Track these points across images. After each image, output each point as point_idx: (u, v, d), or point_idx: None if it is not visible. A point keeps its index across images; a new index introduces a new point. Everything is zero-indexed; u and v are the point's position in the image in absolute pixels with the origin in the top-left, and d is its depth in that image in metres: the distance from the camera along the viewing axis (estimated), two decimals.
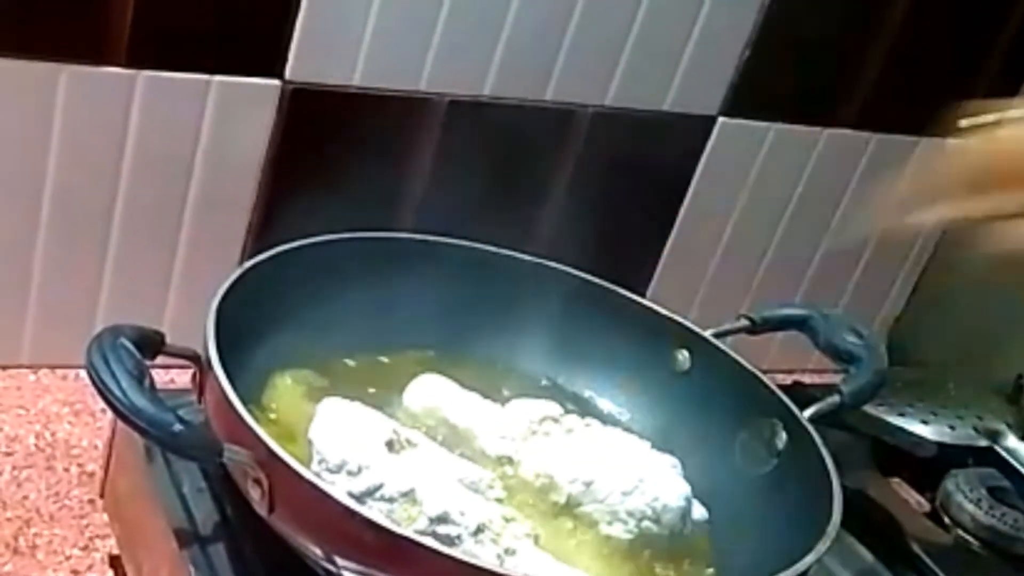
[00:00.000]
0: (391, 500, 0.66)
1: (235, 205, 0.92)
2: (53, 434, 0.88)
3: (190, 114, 0.88)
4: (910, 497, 0.97)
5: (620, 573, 0.70)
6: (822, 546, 0.66)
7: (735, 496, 0.77)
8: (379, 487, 0.67)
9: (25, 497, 0.82)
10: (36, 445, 0.87)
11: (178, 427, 0.62)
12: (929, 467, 0.97)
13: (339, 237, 0.80)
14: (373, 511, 0.64)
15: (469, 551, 0.65)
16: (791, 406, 0.77)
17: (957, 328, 1.15)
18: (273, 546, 0.67)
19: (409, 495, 0.66)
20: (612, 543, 0.71)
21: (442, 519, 0.66)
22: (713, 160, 1.06)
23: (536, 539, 0.69)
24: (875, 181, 1.13)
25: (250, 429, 0.64)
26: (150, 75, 0.85)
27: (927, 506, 0.96)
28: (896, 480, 0.97)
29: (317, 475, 0.66)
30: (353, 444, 0.68)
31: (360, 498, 0.66)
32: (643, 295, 0.92)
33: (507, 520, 0.68)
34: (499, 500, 0.71)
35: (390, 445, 0.69)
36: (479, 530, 0.66)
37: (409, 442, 0.70)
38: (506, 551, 0.66)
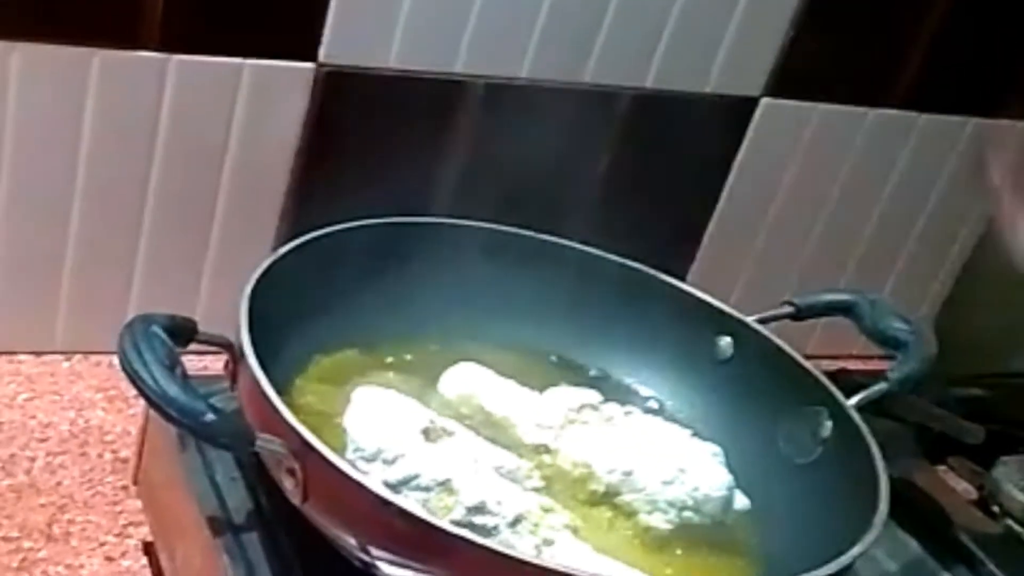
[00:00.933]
0: (427, 489, 0.66)
1: (268, 190, 0.92)
2: (87, 420, 0.88)
3: (223, 98, 0.87)
4: (958, 485, 0.95)
5: (660, 563, 0.69)
6: (869, 537, 0.65)
7: (779, 485, 0.76)
8: (415, 476, 0.66)
9: (59, 483, 0.82)
10: (70, 431, 0.87)
11: (210, 416, 0.62)
12: (978, 454, 0.95)
13: (372, 223, 0.79)
14: (408, 501, 0.63)
15: (506, 541, 0.64)
16: (836, 394, 0.76)
17: (1005, 312, 1.13)
18: (307, 535, 0.66)
19: (445, 484, 0.66)
20: (652, 533, 0.70)
21: (479, 509, 0.65)
22: (756, 142, 1.04)
23: (575, 530, 0.68)
24: (923, 162, 1.12)
25: (283, 418, 0.63)
26: (182, 59, 0.84)
27: (975, 494, 0.94)
28: (944, 468, 0.95)
29: (352, 463, 0.65)
30: (389, 432, 0.68)
31: (396, 487, 0.66)
32: (684, 279, 0.91)
33: (545, 510, 0.67)
34: (536, 490, 0.70)
35: (426, 434, 0.68)
36: (516, 520, 0.65)
37: (445, 431, 0.69)
38: (544, 541, 0.65)
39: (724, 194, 1.06)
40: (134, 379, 0.62)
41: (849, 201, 1.11)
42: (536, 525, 0.66)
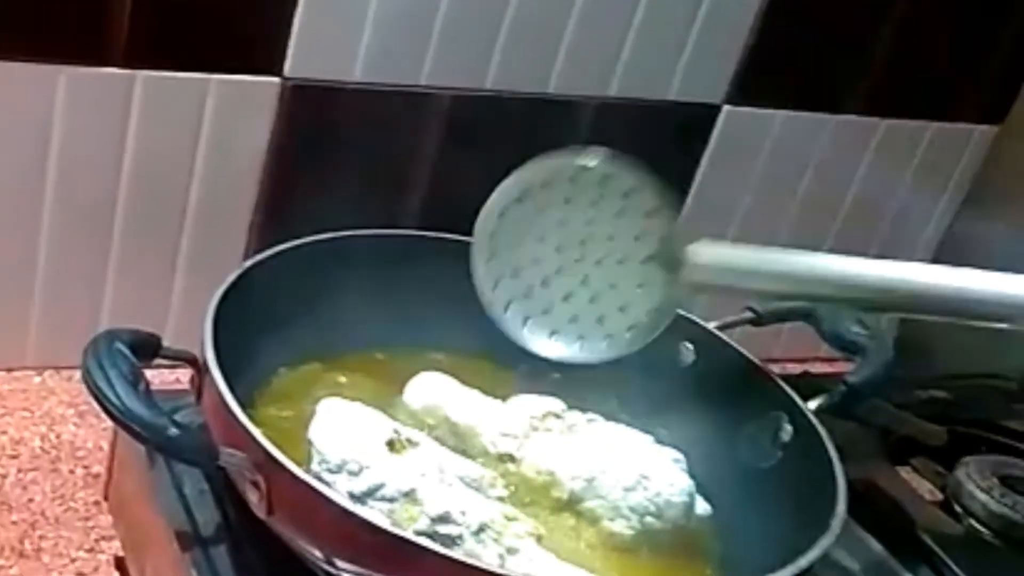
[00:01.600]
0: (392, 500, 0.66)
1: (237, 204, 0.92)
2: (58, 436, 0.88)
3: (190, 113, 0.88)
4: (922, 487, 0.96)
5: (623, 569, 0.70)
6: (825, 541, 0.65)
7: (740, 490, 0.76)
8: (380, 487, 0.66)
9: (31, 500, 0.82)
10: (41, 447, 0.87)
11: (173, 431, 0.62)
12: (941, 456, 0.96)
13: (339, 235, 0.80)
14: (372, 512, 0.64)
15: (471, 551, 0.65)
16: (796, 399, 0.77)
17: None
18: (274, 548, 0.66)
19: (410, 495, 0.66)
20: (615, 539, 0.70)
21: (443, 519, 0.65)
22: (719, 149, 1.05)
23: (539, 538, 0.68)
24: (885, 167, 1.13)
25: (246, 431, 0.64)
26: (149, 75, 0.85)
27: (940, 496, 0.95)
28: (907, 470, 0.96)
29: (317, 475, 0.66)
30: (353, 444, 0.68)
31: (361, 498, 0.66)
32: None
33: (509, 519, 0.67)
34: (501, 499, 0.71)
35: (391, 445, 0.69)
36: (480, 529, 0.66)
37: (410, 441, 0.69)
38: (508, 550, 0.66)
39: (688, 201, 1.06)
40: (97, 396, 0.63)
41: (812, 206, 1.12)
42: (500, 534, 0.66)
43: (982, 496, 0.90)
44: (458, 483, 0.68)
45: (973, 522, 0.90)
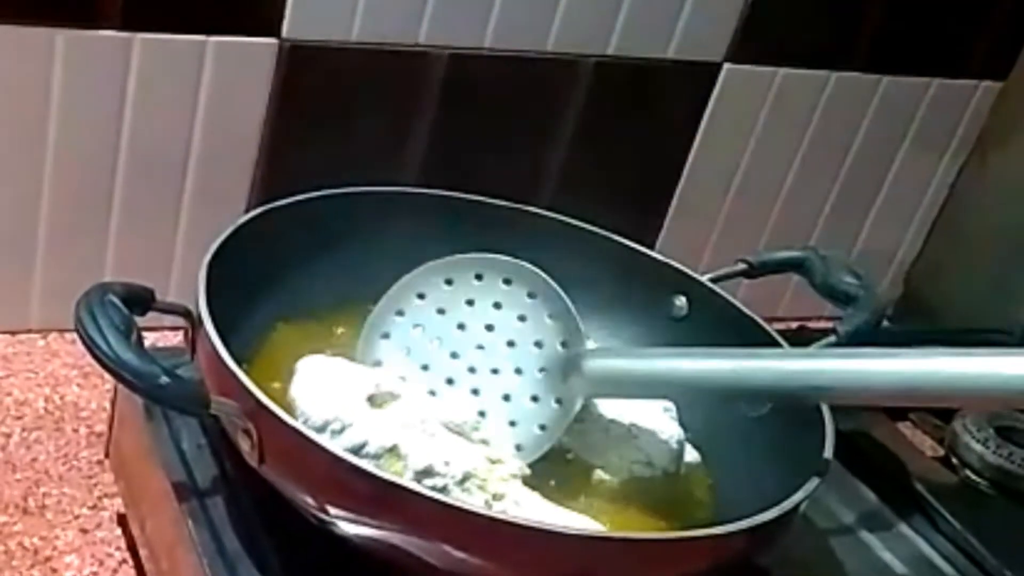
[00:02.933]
0: (376, 457, 0.66)
1: (237, 164, 0.93)
2: (62, 397, 0.89)
3: (188, 75, 0.88)
4: (923, 443, 0.96)
5: (613, 516, 0.70)
6: (812, 484, 0.66)
7: (733, 439, 0.76)
8: (363, 444, 0.67)
9: (34, 459, 0.83)
10: (45, 408, 0.88)
11: (164, 379, 0.62)
12: (941, 410, 0.96)
13: (335, 192, 0.80)
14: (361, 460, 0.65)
15: (457, 500, 0.65)
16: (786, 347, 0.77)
17: (975, 271, 1.14)
18: (268, 498, 0.67)
19: (393, 450, 0.66)
20: (604, 487, 0.71)
21: (427, 472, 0.66)
22: (720, 107, 1.05)
23: (524, 480, 0.69)
24: (887, 124, 1.12)
25: (237, 379, 0.64)
26: (146, 37, 0.85)
27: (940, 452, 0.95)
28: (907, 425, 0.96)
29: None
30: (334, 402, 0.68)
31: None
32: (652, 247, 0.92)
33: (493, 462, 0.68)
34: (484, 442, 0.71)
35: (371, 400, 0.69)
36: (465, 479, 0.66)
37: (392, 395, 0.70)
38: (494, 496, 0.66)
39: (689, 160, 1.06)
40: (89, 345, 0.63)
41: (815, 164, 1.12)
42: (485, 480, 0.67)
43: (978, 447, 0.91)
44: (441, 431, 0.69)
45: (969, 473, 0.91)
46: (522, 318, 0.74)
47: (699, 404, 0.77)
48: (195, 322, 0.70)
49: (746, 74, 1.04)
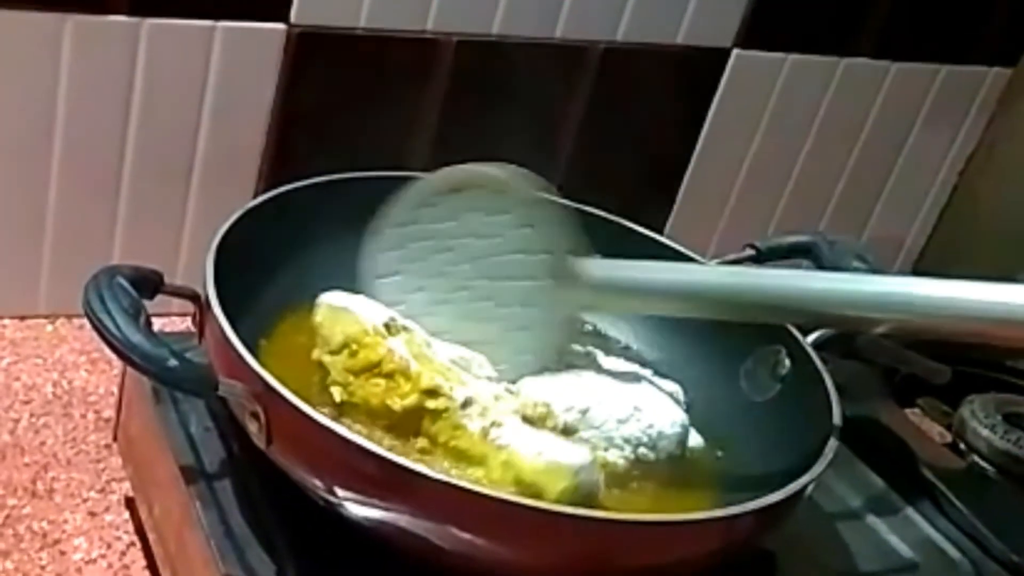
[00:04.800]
0: (389, 376, 0.68)
1: (246, 150, 0.93)
2: (70, 382, 0.90)
3: (196, 61, 0.88)
4: (931, 429, 0.96)
5: (619, 498, 0.70)
6: (819, 467, 0.66)
7: (740, 422, 0.77)
8: (376, 364, 0.68)
9: (43, 443, 0.84)
10: (53, 393, 0.88)
11: (172, 362, 0.63)
12: (949, 396, 0.96)
13: (341, 177, 0.80)
14: (369, 442, 0.65)
15: (456, 424, 0.67)
16: (794, 332, 0.77)
17: (984, 257, 1.13)
18: (276, 480, 0.67)
19: (404, 372, 0.68)
20: (608, 468, 0.71)
21: (432, 392, 0.67)
22: (729, 93, 1.05)
23: (524, 417, 0.70)
24: (896, 110, 1.12)
25: (245, 362, 0.64)
26: (154, 22, 0.86)
27: (949, 439, 0.95)
28: (915, 411, 0.96)
29: (319, 360, 0.69)
30: (353, 327, 0.70)
31: (358, 374, 0.68)
32: (661, 232, 0.92)
33: (496, 398, 0.69)
34: (490, 379, 0.72)
35: (387, 328, 0.71)
36: (467, 403, 0.67)
37: (406, 328, 0.71)
38: (493, 424, 0.67)
39: (698, 146, 1.06)
40: (98, 327, 0.63)
41: (824, 150, 1.12)
42: (486, 408, 0.68)
43: (986, 433, 0.91)
44: (448, 362, 0.71)
45: (977, 459, 0.91)
46: (522, 226, 0.75)
47: (708, 387, 0.77)
48: (203, 305, 0.70)
49: (755, 60, 1.04)
